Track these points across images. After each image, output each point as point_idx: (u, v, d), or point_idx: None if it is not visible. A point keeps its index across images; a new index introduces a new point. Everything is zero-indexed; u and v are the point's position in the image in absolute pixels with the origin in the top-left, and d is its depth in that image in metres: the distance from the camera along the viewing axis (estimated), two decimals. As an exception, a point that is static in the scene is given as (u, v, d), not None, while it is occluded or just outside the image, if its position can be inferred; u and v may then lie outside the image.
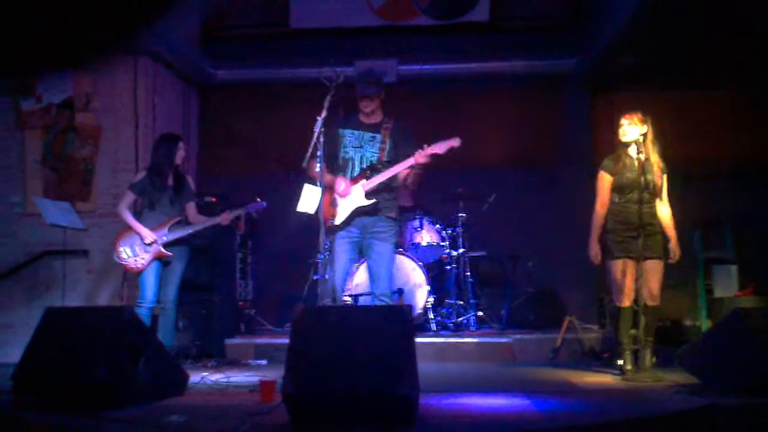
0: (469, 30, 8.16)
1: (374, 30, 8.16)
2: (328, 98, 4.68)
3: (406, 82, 8.15)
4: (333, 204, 5.06)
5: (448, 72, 8.30)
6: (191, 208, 5.88)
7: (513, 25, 8.23)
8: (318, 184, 4.75)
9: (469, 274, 7.26)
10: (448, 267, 7.36)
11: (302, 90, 7.09)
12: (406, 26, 8.14)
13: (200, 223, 5.80)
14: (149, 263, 5.64)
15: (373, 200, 5.00)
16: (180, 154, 5.84)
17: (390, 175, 4.99)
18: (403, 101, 7.99)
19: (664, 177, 5.16)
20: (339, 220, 5.02)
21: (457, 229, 7.32)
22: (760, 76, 7.27)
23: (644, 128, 5.09)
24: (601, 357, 6.15)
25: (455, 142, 4.93)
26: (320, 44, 8.14)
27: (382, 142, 5.10)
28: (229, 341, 6.61)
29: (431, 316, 6.97)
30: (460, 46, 8.23)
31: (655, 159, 5.12)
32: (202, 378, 5.08)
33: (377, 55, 8.06)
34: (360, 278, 6.63)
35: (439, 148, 4.90)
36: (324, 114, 4.66)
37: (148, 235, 5.62)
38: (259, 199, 5.82)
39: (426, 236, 7.24)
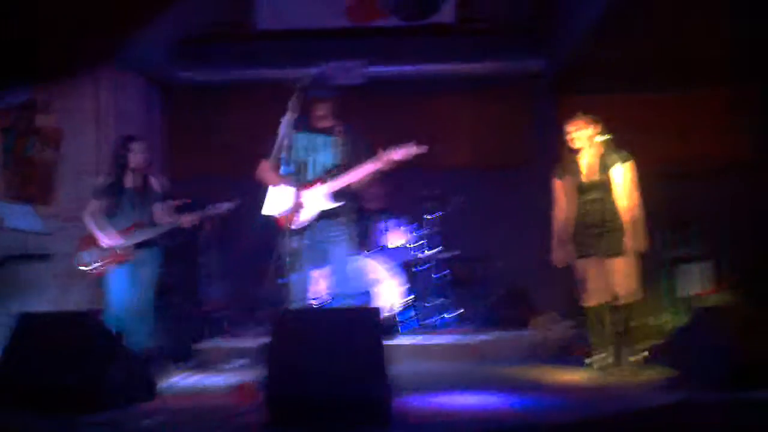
0: (435, 32, 8.19)
1: (341, 31, 8.14)
2: (294, 99, 4.65)
3: (375, 84, 8.13)
4: (290, 209, 4.96)
5: (416, 73, 8.31)
6: (157, 209, 5.78)
7: (478, 27, 8.26)
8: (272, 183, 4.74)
9: (440, 274, 7.27)
10: (419, 268, 7.37)
11: (269, 91, 7.02)
12: (374, 27, 8.14)
13: (163, 224, 5.71)
14: (109, 268, 5.55)
15: (338, 203, 4.99)
16: (134, 156, 5.69)
17: (352, 180, 4.98)
18: (371, 103, 8.04)
19: (619, 168, 5.10)
20: (299, 224, 4.97)
21: (427, 230, 7.32)
22: (729, 76, 7.40)
23: (593, 129, 5.16)
24: (575, 354, 6.19)
25: (412, 149, 4.89)
26: (287, 45, 8.11)
27: (336, 146, 5.08)
28: (201, 344, 6.53)
29: (404, 317, 6.95)
30: (428, 47, 8.24)
31: (608, 156, 5.12)
32: (176, 382, 5.02)
33: (344, 56, 8.03)
34: (321, 282, 6.59)
35: (397, 155, 4.88)
36: (290, 115, 4.64)
37: (105, 240, 5.54)
38: (226, 203, 5.74)
39: (395, 237, 7.24)
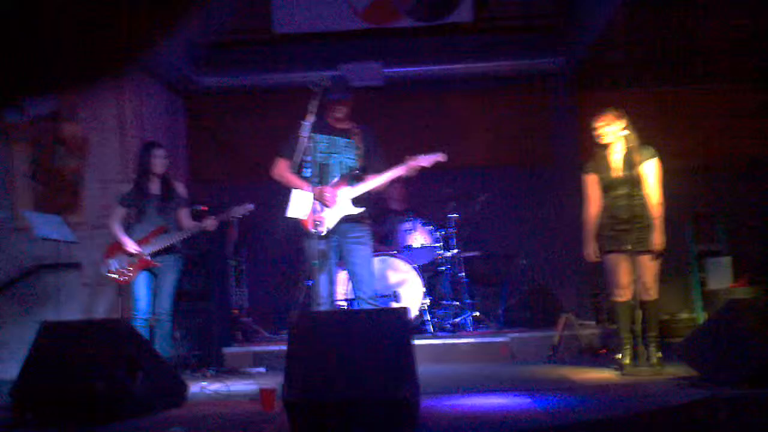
0: (453, 31, 8.16)
1: (358, 33, 8.16)
2: (314, 103, 4.67)
3: (392, 85, 8.15)
4: (315, 211, 4.98)
5: (434, 74, 8.28)
6: (183, 214, 5.86)
7: (497, 25, 8.21)
8: (305, 189, 4.77)
9: (463, 274, 7.26)
10: (442, 268, 7.37)
11: (289, 95, 7.08)
12: (391, 29, 8.14)
13: (187, 230, 5.78)
14: (136, 275, 5.63)
15: (362, 208, 5.04)
16: (158, 162, 5.78)
17: (378, 185, 5.03)
18: (389, 104, 8.05)
19: (648, 164, 5.09)
20: (326, 228, 4.99)
21: (450, 229, 7.32)
22: (753, 69, 7.31)
23: (621, 123, 5.11)
24: (599, 353, 6.17)
25: (441, 157, 4.97)
26: (304, 49, 8.14)
27: (357, 147, 5.12)
28: (226, 350, 6.59)
29: (427, 317, 6.96)
30: (445, 47, 8.23)
31: (636, 151, 5.09)
32: (202, 388, 5.06)
33: (362, 58, 8.06)
34: (347, 284, 6.61)
35: (426, 161, 4.95)
36: (311, 118, 4.67)
37: (132, 247, 5.61)
38: (245, 203, 5.79)
39: (419, 238, 7.24)
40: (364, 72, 7.83)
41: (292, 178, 5.04)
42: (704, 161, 7.54)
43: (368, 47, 8.17)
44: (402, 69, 8.18)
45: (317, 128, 5.04)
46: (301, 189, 4.98)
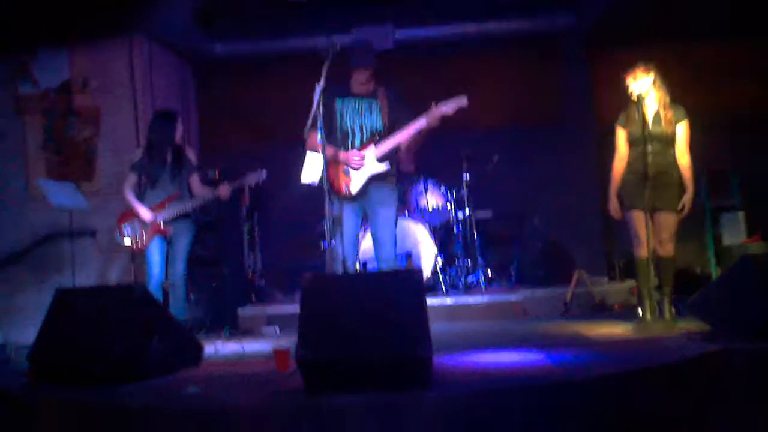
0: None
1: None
2: (326, 67, 4.64)
3: (404, 48, 8.09)
4: (346, 173, 5.09)
5: (445, 35, 8.24)
6: (194, 181, 5.88)
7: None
8: (321, 152, 4.74)
9: (476, 234, 7.26)
10: (455, 229, 7.37)
11: (300, 60, 7.02)
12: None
13: (201, 196, 5.80)
14: (150, 241, 5.67)
15: (386, 165, 5.06)
16: (179, 132, 5.82)
17: (402, 139, 5.03)
18: (400, 66, 7.98)
19: (681, 125, 5.07)
20: (355, 189, 5.06)
21: (462, 190, 7.31)
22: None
23: (650, 77, 5.01)
24: (612, 309, 6.17)
25: (463, 101, 4.94)
26: (315, 13, 8.07)
27: (381, 109, 5.12)
28: (241, 311, 6.65)
29: (440, 277, 6.99)
30: (456, 7, 8.14)
31: (668, 109, 5.03)
32: (217, 349, 5.11)
33: (373, 21, 7.98)
34: (365, 245, 6.65)
35: (448, 108, 4.93)
36: (323, 83, 4.64)
37: (145, 213, 5.64)
38: (259, 169, 5.80)
39: (431, 199, 7.25)
40: (375, 36, 7.77)
41: (322, 147, 5.00)
42: (719, 116, 7.45)
43: (379, 10, 8.09)
44: (413, 31, 8.13)
45: (341, 94, 5.08)
46: (333, 156, 5.00)
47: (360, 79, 5.12)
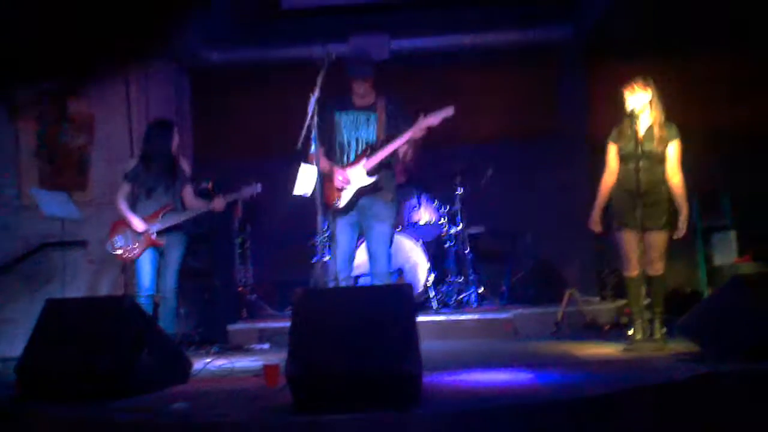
0: (461, 1, 8.09)
1: (365, 7, 8.09)
2: (321, 77, 4.64)
3: (400, 58, 8.09)
4: (337, 186, 5.09)
5: (441, 46, 8.25)
6: (188, 193, 5.86)
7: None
8: (314, 163, 4.73)
9: (468, 250, 7.26)
10: (447, 244, 7.37)
11: (296, 70, 7.05)
12: (397, 1, 8.06)
13: (195, 208, 5.78)
14: (141, 252, 5.65)
15: (375, 178, 5.05)
16: (175, 142, 5.81)
17: (390, 151, 5.02)
18: (396, 77, 7.98)
19: (673, 145, 5.03)
20: (343, 202, 5.05)
21: (455, 205, 7.32)
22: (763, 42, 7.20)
23: (648, 93, 4.99)
24: (603, 329, 6.17)
25: (449, 112, 4.96)
26: (312, 22, 8.09)
27: (378, 121, 5.12)
28: (231, 327, 6.63)
29: (432, 294, 6.98)
30: (452, 18, 8.16)
31: (661, 127, 5.00)
32: (206, 364, 5.08)
33: (368, 31, 7.99)
34: (359, 259, 6.64)
35: (434, 119, 4.94)
36: (317, 93, 4.63)
37: (139, 224, 5.62)
38: (253, 183, 5.80)
39: (424, 214, 7.25)
40: (371, 45, 7.79)
41: (322, 162, 4.97)
42: (712, 135, 7.46)
43: (375, 20, 8.11)
44: (409, 41, 8.14)
45: (341, 106, 5.08)
46: (330, 171, 5.02)
47: (359, 91, 5.12)
